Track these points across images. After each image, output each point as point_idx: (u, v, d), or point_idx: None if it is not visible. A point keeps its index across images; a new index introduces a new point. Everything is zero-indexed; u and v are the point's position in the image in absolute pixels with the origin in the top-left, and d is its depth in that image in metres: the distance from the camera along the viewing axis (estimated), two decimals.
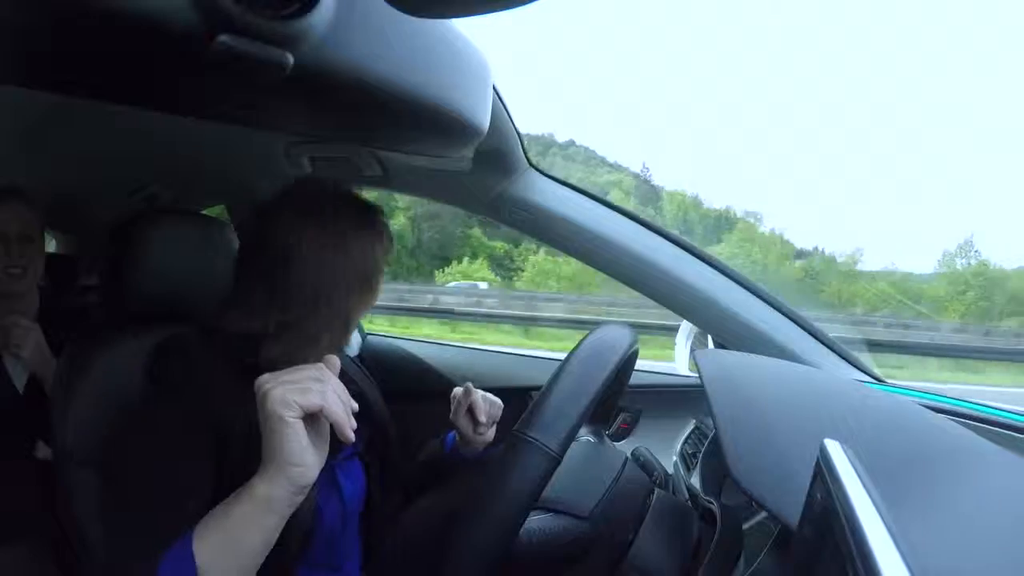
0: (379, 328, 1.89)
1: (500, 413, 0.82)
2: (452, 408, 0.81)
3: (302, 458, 0.51)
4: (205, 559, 0.51)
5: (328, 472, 0.71)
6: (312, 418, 0.52)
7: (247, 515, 0.52)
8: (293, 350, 0.66)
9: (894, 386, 0.99)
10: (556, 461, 0.52)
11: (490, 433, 0.82)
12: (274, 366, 0.57)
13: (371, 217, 0.71)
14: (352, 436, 0.53)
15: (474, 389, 0.80)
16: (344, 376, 0.59)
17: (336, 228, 0.68)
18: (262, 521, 0.52)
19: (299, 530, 0.63)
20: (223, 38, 0.36)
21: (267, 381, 0.52)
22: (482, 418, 0.79)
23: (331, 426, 0.53)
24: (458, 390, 0.81)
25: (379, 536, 0.82)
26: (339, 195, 0.71)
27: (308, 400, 0.51)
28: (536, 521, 0.62)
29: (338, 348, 0.71)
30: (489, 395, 0.82)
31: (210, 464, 0.60)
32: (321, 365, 0.55)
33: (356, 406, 0.55)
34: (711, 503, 0.71)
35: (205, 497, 0.58)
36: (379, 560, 0.82)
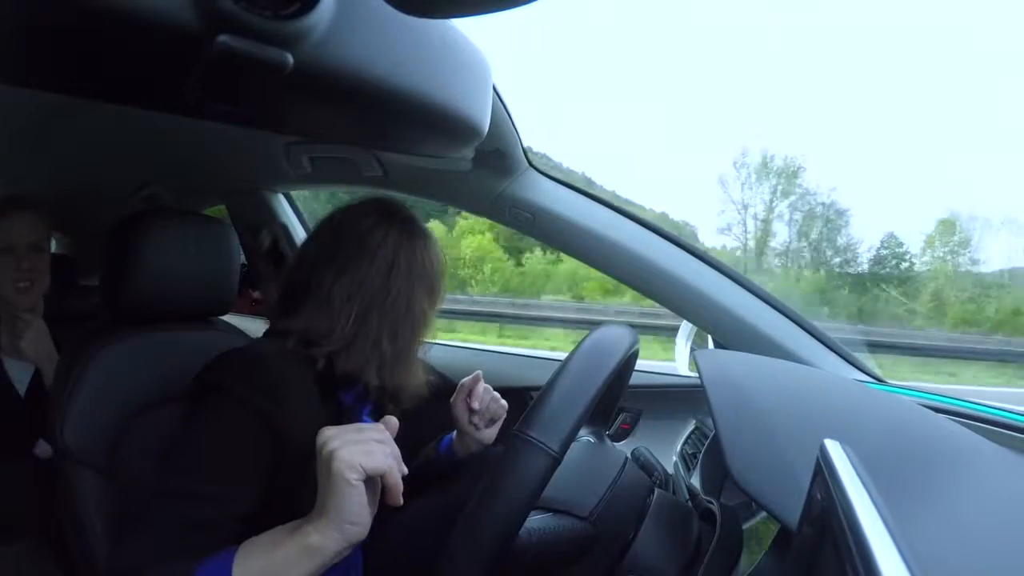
0: None
1: (503, 414, 0.82)
2: (455, 393, 0.82)
3: (360, 517, 0.53)
4: None
5: None
6: (369, 478, 0.54)
7: (293, 557, 0.53)
8: (363, 362, 0.68)
9: (894, 386, 0.99)
10: (556, 461, 0.52)
11: (489, 433, 0.82)
12: (345, 378, 0.64)
13: (432, 237, 0.75)
14: (401, 501, 0.55)
15: (482, 380, 0.81)
16: None
17: (425, 248, 0.72)
18: (308, 565, 0.53)
19: None
20: (223, 38, 0.36)
21: (333, 438, 0.53)
22: (475, 404, 0.79)
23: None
24: (468, 377, 0.82)
25: (377, 539, 0.82)
26: (413, 215, 0.74)
27: (374, 463, 0.53)
28: (536, 521, 0.62)
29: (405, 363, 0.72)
30: (495, 392, 0.82)
31: (262, 473, 0.61)
32: (382, 427, 0.57)
33: (407, 470, 0.56)
34: (711, 503, 0.71)
35: (252, 503, 0.59)
36: (378, 562, 0.81)
